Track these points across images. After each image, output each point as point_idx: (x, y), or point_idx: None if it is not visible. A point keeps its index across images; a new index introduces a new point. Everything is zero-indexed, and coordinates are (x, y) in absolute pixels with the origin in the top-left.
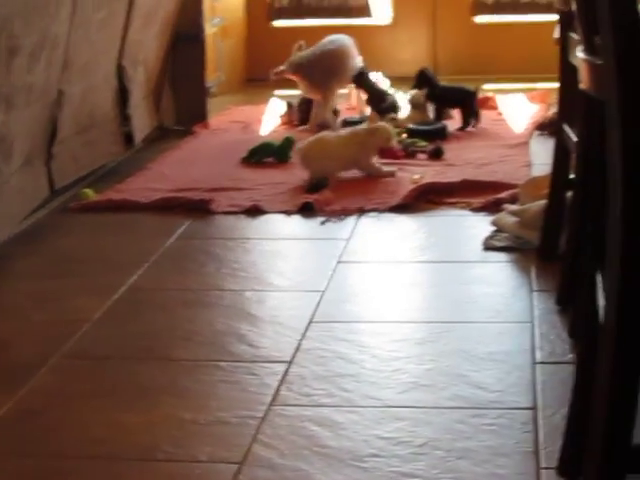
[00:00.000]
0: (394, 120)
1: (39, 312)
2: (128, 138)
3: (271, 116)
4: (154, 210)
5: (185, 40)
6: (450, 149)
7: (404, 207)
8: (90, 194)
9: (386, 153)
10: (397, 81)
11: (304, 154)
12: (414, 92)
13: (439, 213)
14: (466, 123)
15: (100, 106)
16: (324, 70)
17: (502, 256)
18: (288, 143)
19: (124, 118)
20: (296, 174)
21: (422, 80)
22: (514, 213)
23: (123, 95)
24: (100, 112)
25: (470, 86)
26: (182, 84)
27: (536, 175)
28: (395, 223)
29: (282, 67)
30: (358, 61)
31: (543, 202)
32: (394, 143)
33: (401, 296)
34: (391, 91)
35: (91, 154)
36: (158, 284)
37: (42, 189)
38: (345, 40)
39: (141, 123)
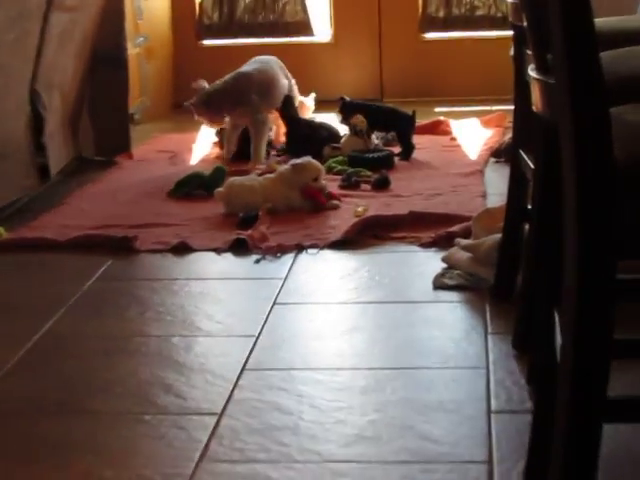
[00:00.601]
0: (335, 149)
1: None
2: (43, 170)
3: (201, 145)
4: (72, 249)
5: (105, 62)
6: (397, 179)
7: (346, 243)
8: (0, 232)
9: (308, 193)
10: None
11: (223, 194)
12: (355, 117)
13: (385, 249)
14: (407, 151)
15: (12, 135)
16: (238, 98)
17: (454, 295)
18: (219, 173)
19: (38, 148)
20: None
21: (347, 109)
22: (467, 248)
23: (37, 123)
24: (12, 141)
25: (406, 110)
26: (103, 110)
27: (490, 206)
28: (336, 261)
29: (191, 101)
30: (284, 85)
31: (498, 236)
32: (321, 183)
33: (342, 340)
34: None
35: (1, 188)
36: (75, 330)
37: None
38: (269, 62)
39: (57, 154)
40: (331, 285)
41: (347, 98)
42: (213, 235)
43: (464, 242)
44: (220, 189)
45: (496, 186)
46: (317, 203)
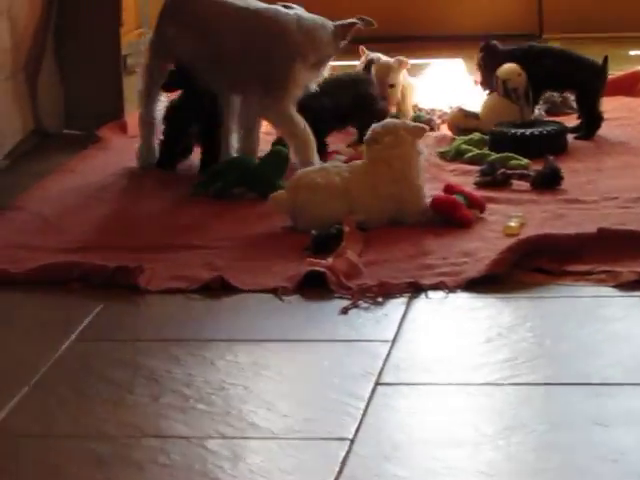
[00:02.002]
0: (470, 119)
1: None
2: None
3: None
4: (34, 287)
5: None
6: (572, 171)
7: (493, 281)
8: None
9: (438, 205)
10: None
11: (284, 200)
12: (506, 68)
13: (557, 292)
14: (591, 125)
15: None
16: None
17: None
18: (277, 160)
19: None
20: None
21: (492, 58)
22: None
23: None
24: None
25: (591, 57)
26: (77, 54)
27: None
28: (476, 311)
29: None
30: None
31: None
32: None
33: (489, 448)
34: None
35: None
36: (43, 427)
37: None
38: None
39: (3, 126)
40: (468, 354)
41: (493, 42)
42: (269, 265)
43: None
44: (280, 191)
45: None
46: (455, 220)
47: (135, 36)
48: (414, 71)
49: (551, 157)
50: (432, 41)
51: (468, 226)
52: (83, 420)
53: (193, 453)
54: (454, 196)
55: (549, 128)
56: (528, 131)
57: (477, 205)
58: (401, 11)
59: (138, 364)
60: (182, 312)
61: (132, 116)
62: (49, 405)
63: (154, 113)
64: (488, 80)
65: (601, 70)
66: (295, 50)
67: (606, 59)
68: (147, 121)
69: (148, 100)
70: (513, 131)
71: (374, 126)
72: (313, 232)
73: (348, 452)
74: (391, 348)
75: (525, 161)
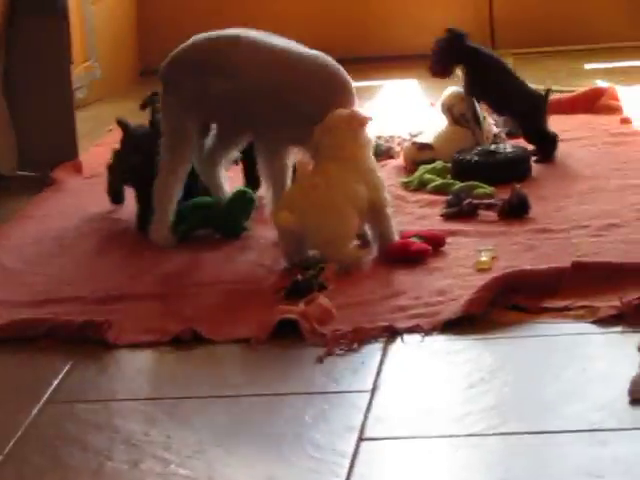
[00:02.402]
0: (424, 149)
1: None
2: None
3: None
4: (1, 343)
5: (31, 6)
6: (539, 198)
7: (469, 320)
8: None
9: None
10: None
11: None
12: (448, 94)
13: (536, 330)
14: (545, 147)
15: None
16: None
17: None
18: (244, 200)
19: None
20: (258, 256)
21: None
22: None
23: None
24: None
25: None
26: (29, 91)
27: None
28: (454, 355)
29: None
30: None
31: None
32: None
33: None
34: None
35: None
36: None
37: None
38: None
39: None
40: (450, 403)
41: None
42: (239, 313)
43: None
44: (283, 212)
45: None
46: (412, 256)
47: (81, 68)
48: (368, 93)
49: (517, 185)
50: (383, 61)
51: (426, 255)
52: None
53: None
54: (408, 239)
55: (512, 151)
56: (489, 157)
57: (435, 241)
58: (350, 32)
59: (114, 427)
60: (154, 367)
61: (87, 154)
62: (25, 476)
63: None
64: (441, 66)
65: (543, 100)
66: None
67: (548, 92)
68: None
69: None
70: (476, 159)
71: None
72: (297, 277)
73: None
74: (371, 399)
75: (490, 189)
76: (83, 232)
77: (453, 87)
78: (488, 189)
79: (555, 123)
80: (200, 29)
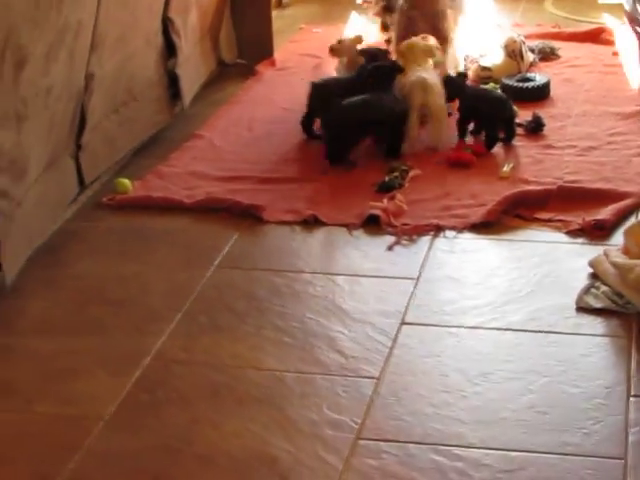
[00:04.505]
0: (485, 71)
1: (44, 398)
2: (175, 97)
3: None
4: (197, 214)
5: None
6: (550, 116)
7: (487, 224)
8: (126, 185)
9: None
10: None
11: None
12: (506, 37)
13: (528, 236)
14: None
15: (140, 74)
16: None
17: (597, 325)
18: None
19: (171, 78)
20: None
21: None
22: (616, 267)
23: (170, 51)
24: (141, 81)
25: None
26: (244, 10)
27: None
28: (475, 253)
29: None
30: None
31: None
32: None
33: (468, 386)
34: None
35: (131, 131)
36: (188, 353)
37: (69, 189)
38: None
39: (193, 78)
40: (466, 296)
41: None
42: (349, 201)
43: (614, 256)
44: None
45: None
46: (463, 162)
47: None
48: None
49: (536, 112)
50: None
51: (471, 163)
52: (212, 350)
53: (277, 382)
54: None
55: (538, 82)
56: (524, 84)
57: (478, 152)
58: None
59: (252, 294)
60: (288, 244)
61: (279, 49)
62: (192, 333)
63: None
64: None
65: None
66: None
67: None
68: None
69: None
70: (515, 84)
71: None
72: (385, 178)
73: (374, 391)
74: (415, 287)
75: (514, 109)
76: (281, 117)
77: (510, 32)
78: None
79: (572, 50)
80: None
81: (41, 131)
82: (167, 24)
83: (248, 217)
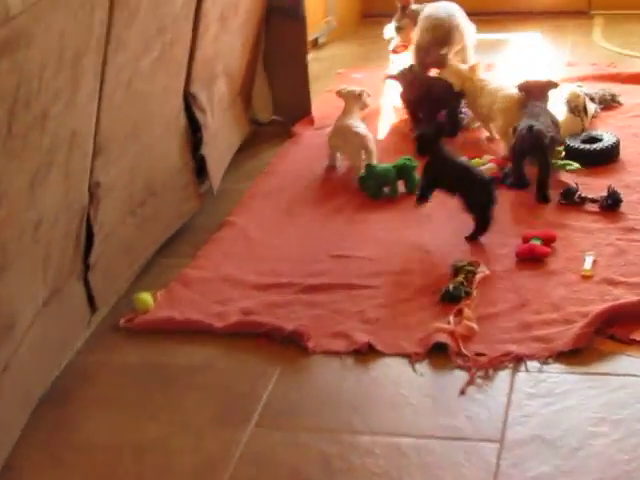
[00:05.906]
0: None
1: None
2: (202, 176)
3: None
4: (230, 340)
5: (279, 11)
6: (624, 185)
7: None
8: (147, 301)
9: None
10: None
11: None
12: (570, 91)
13: (628, 367)
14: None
15: (161, 166)
16: None
17: None
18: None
19: (197, 160)
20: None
21: None
22: None
23: (194, 126)
24: (162, 173)
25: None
26: (279, 65)
27: None
28: (565, 397)
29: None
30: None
31: None
32: None
33: None
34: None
35: (152, 232)
36: None
37: (78, 319)
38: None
39: (222, 156)
40: (564, 470)
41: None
42: (408, 317)
43: None
44: None
45: None
46: (537, 256)
47: (322, 22)
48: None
49: (612, 186)
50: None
51: (547, 256)
52: None
53: None
54: (531, 242)
55: (607, 142)
56: (592, 146)
57: (549, 240)
58: None
59: (298, 472)
60: (335, 386)
61: (318, 100)
62: None
63: None
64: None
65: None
66: None
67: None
68: None
69: None
70: (581, 147)
71: None
72: (449, 287)
73: None
74: (500, 451)
75: (576, 165)
76: (310, 196)
77: (572, 86)
78: (574, 165)
79: (634, 95)
80: None
81: (30, 271)
82: (190, 101)
83: (289, 344)
